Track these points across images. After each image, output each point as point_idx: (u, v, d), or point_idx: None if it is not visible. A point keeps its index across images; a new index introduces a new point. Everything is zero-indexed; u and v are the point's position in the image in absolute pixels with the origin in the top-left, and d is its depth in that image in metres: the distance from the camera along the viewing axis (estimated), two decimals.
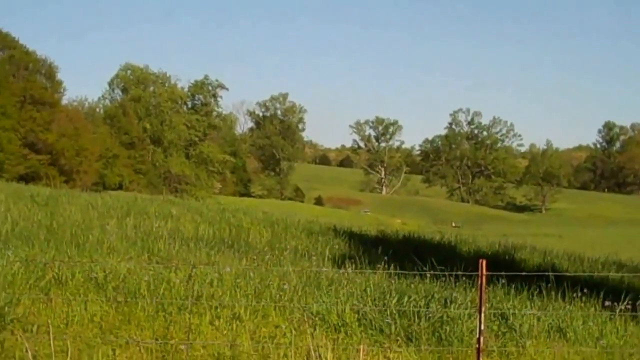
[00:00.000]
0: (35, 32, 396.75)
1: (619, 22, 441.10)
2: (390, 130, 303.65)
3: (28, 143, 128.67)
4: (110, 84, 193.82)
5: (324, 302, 17.22)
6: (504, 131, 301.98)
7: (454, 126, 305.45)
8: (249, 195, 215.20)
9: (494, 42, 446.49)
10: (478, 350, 10.98)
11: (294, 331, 15.23)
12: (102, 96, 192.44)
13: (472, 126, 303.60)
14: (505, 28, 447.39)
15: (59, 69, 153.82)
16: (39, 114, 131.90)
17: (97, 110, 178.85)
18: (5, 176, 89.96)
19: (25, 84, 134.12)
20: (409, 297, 17.87)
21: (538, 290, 20.93)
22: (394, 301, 17.32)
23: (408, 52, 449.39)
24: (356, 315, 16.61)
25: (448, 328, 16.02)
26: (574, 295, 20.55)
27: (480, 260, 11.26)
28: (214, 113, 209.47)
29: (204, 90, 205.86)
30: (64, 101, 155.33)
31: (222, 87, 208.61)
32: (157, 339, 13.84)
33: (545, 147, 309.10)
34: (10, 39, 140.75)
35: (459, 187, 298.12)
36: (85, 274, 17.78)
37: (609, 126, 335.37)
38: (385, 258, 25.86)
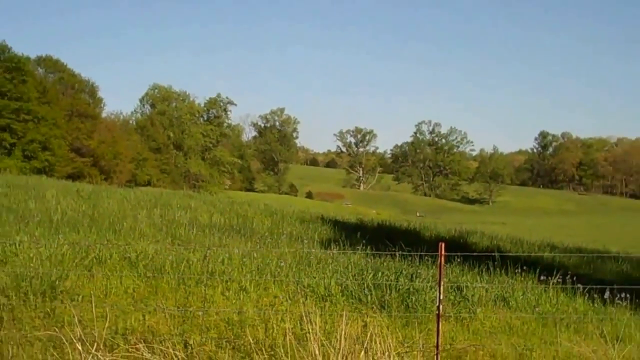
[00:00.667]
0: (81, 57, 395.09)
1: (550, 46, 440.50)
2: (367, 137, 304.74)
3: (74, 148, 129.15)
4: (141, 100, 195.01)
5: (313, 277, 17.23)
6: (458, 138, 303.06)
7: (418, 135, 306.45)
8: (252, 190, 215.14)
9: (451, 65, 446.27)
10: (438, 315, 10.98)
11: (289, 300, 15.24)
12: (134, 110, 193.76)
13: (433, 135, 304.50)
14: (458, 54, 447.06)
15: (99, 87, 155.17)
16: (83, 125, 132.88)
17: (130, 121, 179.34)
18: (56, 175, 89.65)
19: (72, 101, 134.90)
20: (382, 272, 17.89)
21: (486, 267, 20.97)
22: (370, 276, 17.34)
23: (381, 73, 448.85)
24: (339, 288, 16.61)
25: (414, 298, 16.02)
26: (515, 271, 20.61)
27: (440, 243, 11.26)
28: (225, 124, 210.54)
29: (217, 105, 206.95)
30: (104, 114, 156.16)
31: (231, 103, 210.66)
32: (178, 307, 13.83)
33: (492, 151, 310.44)
34: (60, 64, 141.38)
35: (423, 184, 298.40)
36: (121, 254, 17.77)
37: (543, 134, 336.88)
38: (363, 241, 25.87)
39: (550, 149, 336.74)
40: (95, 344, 10.28)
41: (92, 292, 14.03)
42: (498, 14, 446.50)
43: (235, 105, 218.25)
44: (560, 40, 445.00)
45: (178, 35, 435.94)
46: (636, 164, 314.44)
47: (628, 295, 18.56)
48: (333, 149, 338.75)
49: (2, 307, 13.05)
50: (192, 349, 11.50)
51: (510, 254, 26.81)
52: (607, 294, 18.61)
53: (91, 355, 10.06)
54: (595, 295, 18.90)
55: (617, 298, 18.49)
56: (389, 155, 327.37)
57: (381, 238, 29.18)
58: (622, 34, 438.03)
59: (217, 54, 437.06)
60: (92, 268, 16.39)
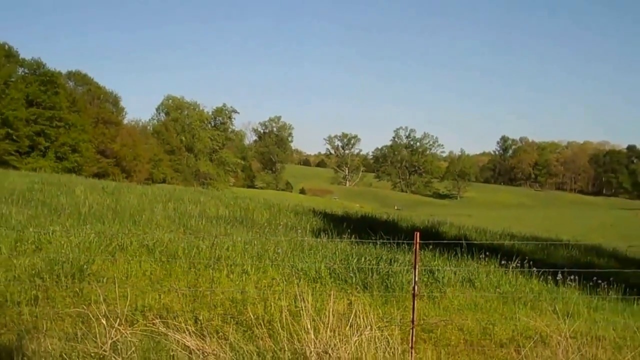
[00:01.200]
0: (106, 72, 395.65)
1: (508, 59, 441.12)
2: (352, 141, 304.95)
3: (100, 151, 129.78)
4: (157, 109, 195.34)
5: (306, 261, 17.24)
6: (431, 142, 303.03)
7: (396, 139, 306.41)
8: (253, 187, 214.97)
9: (425, 78, 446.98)
10: (413, 295, 10.97)
11: (285, 282, 15.25)
12: (152, 118, 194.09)
13: (409, 139, 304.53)
14: (432, 68, 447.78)
15: (121, 98, 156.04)
16: (107, 130, 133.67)
17: (148, 127, 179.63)
18: (84, 174, 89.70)
19: (98, 109, 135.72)
20: (365, 258, 17.93)
21: (455, 253, 20.99)
22: (354, 261, 17.37)
23: (365, 84, 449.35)
24: (328, 271, 16.63)
25: (392, 280, 16.05)
26: (480, 256, 20.65)
27: (415, 232, 11.25)
28: (229, 130, 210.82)
29: (223, 114, 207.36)
30: (125, 121, 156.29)
31: (235, 111, 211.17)
32: (189, 287, 13.83)
33: (460, 153, 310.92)
34: (88, 78, 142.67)
35: (400, 182, 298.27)
36: (140, 242, 17.78)
37: (504, 139, 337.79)
38: (349, 231, 25.95)
39: (510, 151, 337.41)
40: (118, 320, 10.29)
41: (115, 275, 14.09)
42: (464, 31, 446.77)
43: (239, 113, 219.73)
44: (517, 54, 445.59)
45: (189, 53, 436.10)
46: (583, 164, 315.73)
47: (577, 277, 18.63)
48: (323, 151, 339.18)
49: (38, 287, 13.07)
50: (201, 323, 11.50)
51: (476, 241, 26.85)
52: (559, 276, 18.69)
53: (114, 329, 10.07)
54: (549, 277, 18.99)
55: (567, 280, 18.57)
56: (371, 157, 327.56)
57: (364, 228, 29.25)
58: (573, 47, 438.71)
59: (224, 69, 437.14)
60: (115, 254, 16.41)
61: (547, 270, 19.20)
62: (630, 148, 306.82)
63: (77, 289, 13.21)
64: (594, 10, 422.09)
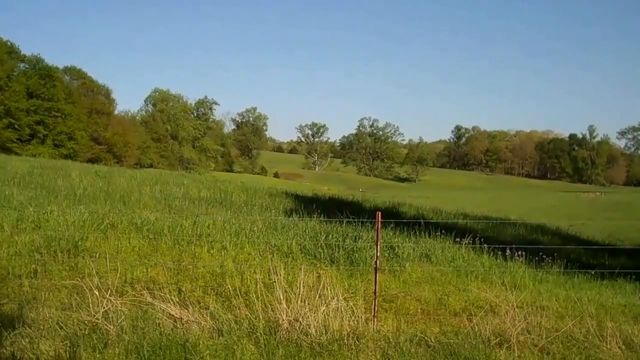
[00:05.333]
0: (99, 65, 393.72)
1: (462, 53, 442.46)
2: (321, 130, 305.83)
3: (93, 138, 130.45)
4: (145, 100, 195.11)
5: (279, 238, 17.29)
6: (392, 131, 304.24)
7: (361, 128, 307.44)
8: (231, 171, 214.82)
9: (386, 71, 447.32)
10: (375, 269, 11.03)
11: (260, 257, 15.29)
12: (140, 108, 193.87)
13: (372, 128, 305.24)
14: (393, 62, 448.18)
15: (113, 90, 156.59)
16: (100, 120, 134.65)
17: (137, 117, 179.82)
18: (79, 159, 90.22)
19: (92, 101, 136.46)
20: (332, 235, 18.02)
21: (413, 231, 21.06)
22: (323, 238, 17.44)
23: (332, 77, 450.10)
24: (299, 247, 16.69)
25: (357, 255, 16.12)
26: (436, 234, 20.77)
27: (377, 212, 11.30)
28: (210, 119, 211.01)
29: (204, 105, 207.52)
30: (116, 112, 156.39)
31: (215, 103, 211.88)
32: (174, 262, 13.84)
33: (418, 141, 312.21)
34: (82, 72, 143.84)
35: (364, 166, 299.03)
36: (129, 220, 17.77)
37: (458, 127, 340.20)
38: (318, 211, 25.97)
39: (464, 139, 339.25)
40: (109, 291, 10.31)
41: (106, 250, 14.07)
42: (419, 29, 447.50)
43: (219, 104, 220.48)
44: (470, 50, 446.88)
45: (177, 49, 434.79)
46: (530, 151, 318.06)
47: (523, 253, 18.78)
48: (295, 139, 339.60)
49: (37, 261, 13.05)
50: (184, 294, 11.52)
51: (432, 220, 26.92)
52: (507, 252, 18.84)
53: (106, 299, 10.09)
54: (498, 253, 19.15)
55: (515, 255, 18.72)
56: (338, 144, 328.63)
57: (332, 208, 29.33)
58: (520, 45, 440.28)
59: (203, 63, 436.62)
60: (107, 231, 16.41)
61: (496, 246, 19.37)
62: (572, 136, 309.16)
63: (72, 263, 13.19)
64: (538, 8, 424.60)
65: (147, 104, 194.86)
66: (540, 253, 19.27)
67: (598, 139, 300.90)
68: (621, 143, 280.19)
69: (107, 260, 11.72)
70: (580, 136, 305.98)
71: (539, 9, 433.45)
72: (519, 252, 18.81)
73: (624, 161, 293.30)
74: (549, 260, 18.90)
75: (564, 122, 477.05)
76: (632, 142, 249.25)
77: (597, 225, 42.64)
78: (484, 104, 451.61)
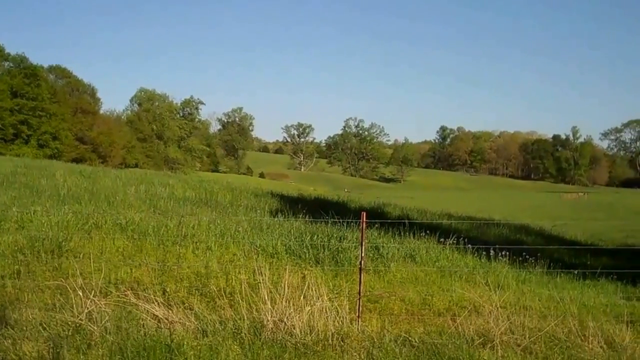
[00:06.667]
0: (85, 65, 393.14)
1: (445, 55, 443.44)
2: (307, 130, 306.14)
3: (78, 138, 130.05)
4: (131, 100, 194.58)
5: (264, 239, 17.29)
6: (377, 131, 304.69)
7: (346, 128, 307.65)
8: (217, 171, 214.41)
9: (373, 73, 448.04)
10: (360, 269, 11.01)
11: (245, 257, 15.28)
12: (126, 108, 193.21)
13: (358, 128, 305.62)
14: (378, 64, 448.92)
15: (98, 90, 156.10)
16: (85, 119, 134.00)
17: (122, 117, 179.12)
18: (63, 159, 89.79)
19: (77, 100, 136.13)
20: (318, 235, 18.01)
21: (398, 231, 21.12)
22: (308, 238, 17.44)
23: (320, 77, 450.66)
24: (284, 247, 16.70)
25: (342, 255, 16.15)
26: (420, 234, 20.81)
27: (362, 212, 11.29)
28: (196, 119, 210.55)
29: (190, 105, 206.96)
30: (101, 111, 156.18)
31: (201, 102, 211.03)
32: (158, 262, 13.80)
33: (403, 141, 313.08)
34: (67, 71, 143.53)
35: (350, 167, 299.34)
36: (114, 221, 17.79)
37: (443, 128, 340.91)
38: (303, 211, 25.99)
39: (448, 140, 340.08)
40: (93, 291, 10.25)
41: (90, 251, 14.03)
42: (406, 29, 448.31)
43: (205, 104, 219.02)
44: (455, 47, 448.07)
45: (163, 49, 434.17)
46: (514, 151, 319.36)
47: (507, 253, 18.88)
48: (280, 139, 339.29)
49: (20, 262, 12.98)
50: (168, 295, 11.48)
51: (417, 221, 27.00)
52: (491, 252, 18.90)
53: (90, 300, 10.03)
54: (482, 253, 19.25)
55: (498, 255, 18.81)
56: (324, 144, 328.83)
57: (317, 209, 29.31)
58: (510, 41, 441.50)
59: (190, 62, 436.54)
60: (91, 232, 16.38)
61: (480, 246, 19.44)
62: (555, 137, 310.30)
63: (56, 264, 13.13)
64: (524, 6, 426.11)
65: (132, 104, 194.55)
66: (524, 253, 19.37)
67: (581, 140, 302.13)
68: (604, 144, 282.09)
69: (91, 260, 11.65)
70: (563, 137, 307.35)
71: (524, 8, 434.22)
72: (503, 252, 18.89)
73: (607, 162, 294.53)
74: (532, 261, 18.99)
75: (548, 123, 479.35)
76: (614, 144, 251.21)
77: (579, 226, 42.83)
78: (469, 105, 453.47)
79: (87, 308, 9.92)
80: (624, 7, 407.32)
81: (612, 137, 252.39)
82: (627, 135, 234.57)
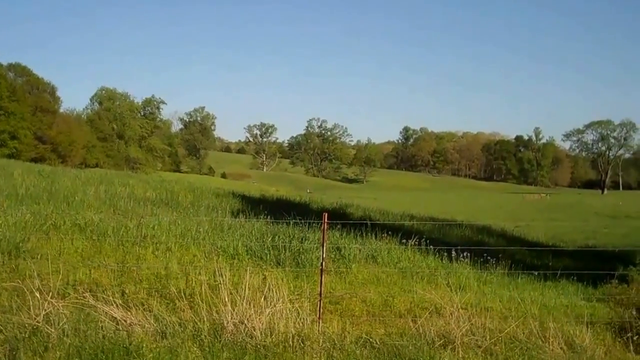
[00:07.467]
0: (45, 63, 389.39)
1: (406, 55, 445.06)
2: (269, 130, 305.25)
3: (37, 137, 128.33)
4: (91, 99, 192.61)
5: (225, 239, 17.29)
6: (341, 132, 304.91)
7: (309, 128, 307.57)
8: (179, 171, 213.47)
9: (335, 72, 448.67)
10: (321, 270, 11.04)
11: (205, 258, 15.28)
12: (86, 107, 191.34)
13: (321, 128, 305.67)
14: (338, 63, 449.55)
15: (58, 88, 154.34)
16: (45, 118, 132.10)
17: (83, 116, 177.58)
18: (22, 159, 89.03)
19: (36, 99, 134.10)
20: (279, 236, 18.02)
21: (360, 232, 21.21)
22: (269, 239, 17.46)
23: (282, 77, 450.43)
24: (245, 248, 16.72)
25: (303, 256, 16.19)
26: (382, 235, 20.95)
27: (323, 213, 11.32)
28: (157, 119, 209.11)
29: (152, 104, 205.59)
30: (61, 110, 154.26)
31: (163, 102, 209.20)
32: (117, 263, 13.74)
33: (366, 142, 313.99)
34: (27, 69, 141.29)
35: (312, 167, 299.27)
36: (72, 221, 17.71)
37: (406, 129, 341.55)
38: (265, 212, 26.02)
39: (411, 140, 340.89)
40: (51, 293, 10.20)
41: (48, 252, 13.91)
42: (375, 28, 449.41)
43: (166, 104, 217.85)
44: (419, 47, 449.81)
45: (125, 47, 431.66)
46: (477, 152, 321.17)
47: (468, 254, 18.99)
48: (243, 139, 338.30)
49: None
50: (127, 297, 11.43)
51: (379, 222, 27.14)
52: (453, 253, 19.00)
53: (47, 302, 9.97)
54: (444, 254, 19.37)
55: (460, 256, 18.93)
56: (287, 144, 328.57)
57: (279, 209, 29.35)
58: (472, 41, 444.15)
59: (153, 61, 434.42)
60: (49, 232, 16.26)
61: (442, 248, 19.57)
62: (518, 138, 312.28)
63: (13, 265, 13.01)
64: (488, 4, 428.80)
65: (93, 103, 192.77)
66: (485, 254, 19.55)
67: (544, 141, 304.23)
68: (566, 145, 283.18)
69: (49, 262, 11.59)
70: (526, 138, 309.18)
71: (487, 4, 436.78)
72: (464, 254, 19.03)
73: (569, 163, 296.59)
74: (494, 262, 19.15)
75: (510, 124, 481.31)
76: (576, 144, 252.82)
77: (541, 227, 43.26)
78: (432, 106, 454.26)
79: (45, 310, 9.86)
80: (589, 3, 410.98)
81: (574, 139, 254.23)
82: (589, 137, 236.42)
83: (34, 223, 16.88)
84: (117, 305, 10.31)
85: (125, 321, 9.99)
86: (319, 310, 10.82)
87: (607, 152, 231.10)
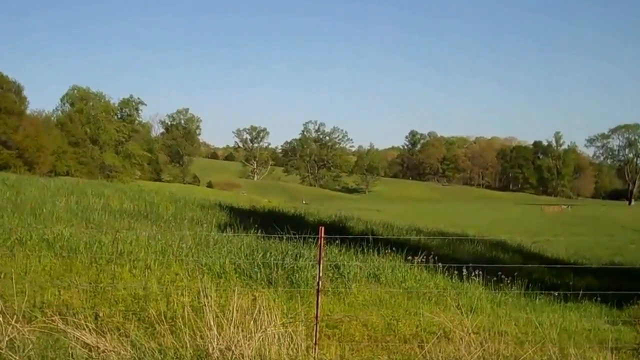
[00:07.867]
0: (9, 60, 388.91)
1: (417, 57, 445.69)
2: (261, 135, 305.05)
3: (1, 141, 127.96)
4: (62, 99, 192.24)
5: (210, 256, 17.26)
6: (340, 136, 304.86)
7: (305, 132, 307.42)
8: (160, 180, 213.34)
9: (336, 71, 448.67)
10: (318, 290, 11.01)
11: (188, 277, 15.27)
12: (56, 108, 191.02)
13: (318, 133, 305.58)
14: (340, 63, 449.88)
15: (24, 87, 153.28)
16: (10, 120, 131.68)
17: (52, 118, 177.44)
18: None
19: (0, 99, 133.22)
20: (271, 253, 18.00)
21: (361, 248, 21.21)
22: (259, 256, 17.44)
23: (275, 76, 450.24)
24: (233, 266, 16.70)
25: (297, 275, 16.15)
26: (386, 251, 20.92)
27: (320, 227, 11.29)
28: (136, 121, 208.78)
29: (129, 105, 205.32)
30: (28, 111, 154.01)
31: (142, 103, 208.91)
32: (90, 283, 13.72)
33: (368, 147, 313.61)
34: None
35: (309, 176, 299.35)
36: (40, 236, 17.66)
37: (413, 133, 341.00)
38: (255, 226, 25.97)
39: (419, 146, 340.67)
40: (15, 316, 10.16)
41: (13, 270, 13.88)
42: (373, 28, 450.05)
43: (146, 105, 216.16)
44: (426, 51, 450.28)
45: (100, 44, 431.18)
46: (491, 159, 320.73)
47: (481, 272, 18.95)
48: (231, 145, 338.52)
49: None
50: (101, 320, 11.40)
51: (382, 237, 27.04)
52: (463, 272, 18.98)
53: (11, 326, 9.93)
54: (454, 273, 19.32)
55: (472, 275, 18.91)
56: (280, 150, 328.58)
57: (271, 223, 29.27)
58: (485, 40, 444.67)
59: (130, 59, 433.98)
60: (14, 248, 16.26)
61: (452, 265, 19.53)
62: (536, 144, 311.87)
63: None
64: (504, 7, 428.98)
65: (63, 104, 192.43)
66: (500, 272, 19.47)
67: (565, 147, 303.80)
68: (589, 152, 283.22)
69: (14, 281, 11.58)
70: (545, 144, 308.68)
71: (502, 7, 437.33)
72: (477, 272, 18.98)
73: (592, 171, 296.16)
74: (509, 281, 19.08)
75: (528, 128, 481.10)
76: (601, 151, 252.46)
77: (562, 242, 43.26)
78: (442, 107, 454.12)
79: (9, 335, 9.82)
80: (608, 7, 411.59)
81: (599, 144, 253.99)
82: (615, 142, 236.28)
83: None
84: (89, 330, 10.27)
85: (98, 348, 9.95)
86: (315, 335, 10.80)
87: (635, 160, 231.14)
